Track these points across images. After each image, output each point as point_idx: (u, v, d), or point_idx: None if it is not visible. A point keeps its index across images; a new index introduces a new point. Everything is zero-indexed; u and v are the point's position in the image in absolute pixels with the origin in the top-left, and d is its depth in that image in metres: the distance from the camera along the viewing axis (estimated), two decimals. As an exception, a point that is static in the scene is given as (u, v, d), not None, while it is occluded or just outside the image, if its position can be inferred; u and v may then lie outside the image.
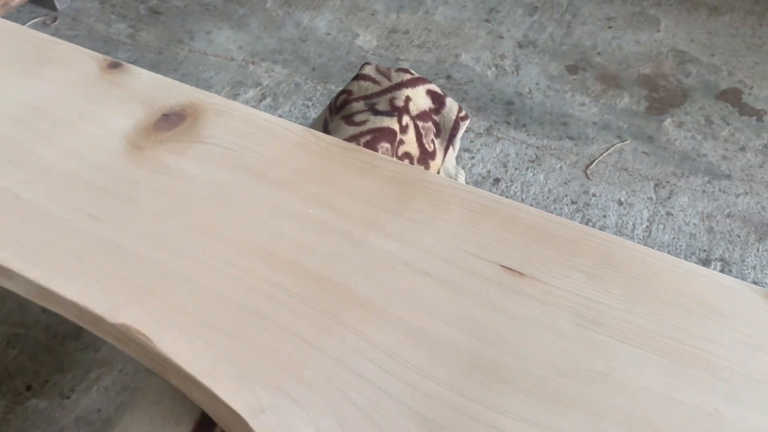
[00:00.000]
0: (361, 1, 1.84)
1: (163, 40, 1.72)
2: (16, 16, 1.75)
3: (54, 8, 1.76)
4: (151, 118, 0.63)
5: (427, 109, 0.73)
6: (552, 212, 1.35)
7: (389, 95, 0.71)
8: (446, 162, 0.76)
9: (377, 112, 0.69)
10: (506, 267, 0.52)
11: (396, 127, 0.68)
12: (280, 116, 0.91)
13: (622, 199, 1.37)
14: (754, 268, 1.25)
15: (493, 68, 1.65)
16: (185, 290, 0.51)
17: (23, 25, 1.69)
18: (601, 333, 0.48)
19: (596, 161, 1.44)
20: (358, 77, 0.74)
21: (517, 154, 1.45)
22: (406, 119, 0.70)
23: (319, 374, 0.47)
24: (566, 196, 1.37)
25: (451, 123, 0.74)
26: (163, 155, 0.60)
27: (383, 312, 0.50)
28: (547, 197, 1.37)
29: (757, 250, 1.28)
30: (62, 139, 0.61)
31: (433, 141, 0.73)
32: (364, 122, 0.68)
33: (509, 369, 0.47)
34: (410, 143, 0.70)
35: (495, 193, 1.37)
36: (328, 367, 0.47)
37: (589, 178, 1.41)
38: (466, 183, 0.79)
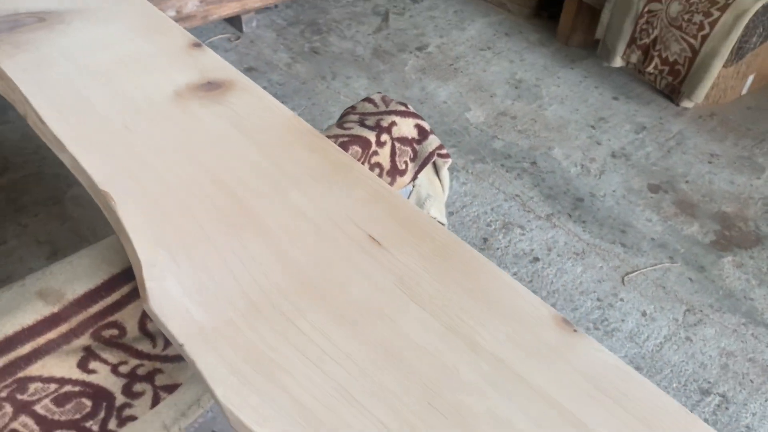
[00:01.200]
0: (485, 84, 2.05)
1: (311, 73, 2.04)
2: (210, 28, 2.18)
3: (241, 30, 2.17)
4: (199, 81, 0.87)
5: (410, 137, 0.90)
6: (574, 302, 1.41)
7: (379, 117, 0.89)
8: (418, 185, 0.92)
9: (363, 125, 0.87)
10: (372, 237, 0.68)
11: (373, 139, 0.86)
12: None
13: (647, 312, 1.40)
14: (754, 414, 1.22)
15: (579, 167, 1.76)
16: (155, 184, 0.72)
17: (211, 38, 2.10)
18: (406, 294, 0.62)
19: (638, 272, 1.48)
20: (366, 99, 0.93)
21: (565, 243, 1.54)
22: (385, 137, 0.87)
23: (202, 255, 0.65)
24: (594, 292, 1.43)
25: (427, 153, 0.91)
26: (194, 106, 0.83)
27: (269, 238, 0.67)
28: (576, 287, 1.44)
29: (765, 400, 1.24)
30: (138, 79, 0.87)
31: (406, 162, 0.90)
32: (349, 128, 0.87)
33: (328, 294, 0.62)
34: (384, 157, 0.88)
35: (529, 270, 1.48)
36: (210, 253, 0.65)
37: (624, 284, 1.46)
38: (438, 210, 0.94)
